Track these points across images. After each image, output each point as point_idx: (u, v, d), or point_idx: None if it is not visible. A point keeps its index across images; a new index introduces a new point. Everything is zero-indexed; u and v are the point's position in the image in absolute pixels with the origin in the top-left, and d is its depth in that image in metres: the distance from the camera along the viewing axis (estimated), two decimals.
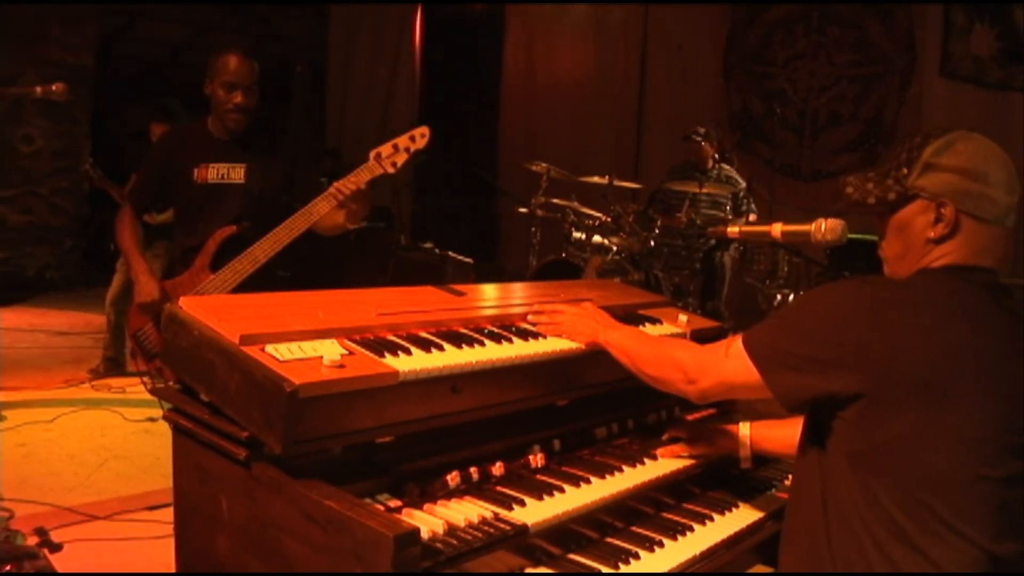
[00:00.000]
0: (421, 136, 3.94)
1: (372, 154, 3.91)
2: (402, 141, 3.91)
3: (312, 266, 4.22)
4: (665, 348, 2.43)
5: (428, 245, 9.27)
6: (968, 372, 1.89)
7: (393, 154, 3.90)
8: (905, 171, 2.08)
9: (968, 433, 1.87)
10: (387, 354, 2.18)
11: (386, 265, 8.95)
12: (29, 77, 9.58)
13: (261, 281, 3.97)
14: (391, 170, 3.91)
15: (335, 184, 3.92)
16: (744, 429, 2.69)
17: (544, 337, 2.60)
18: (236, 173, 4.28)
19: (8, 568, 3.68)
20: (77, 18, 10.86)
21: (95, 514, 4.44)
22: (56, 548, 4.00)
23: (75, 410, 6.09)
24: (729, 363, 2.16)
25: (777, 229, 2.55)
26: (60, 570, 3.80)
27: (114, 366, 6.90)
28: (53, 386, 6.69)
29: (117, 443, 5.55)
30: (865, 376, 1.91)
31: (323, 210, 3.94)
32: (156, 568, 3.72)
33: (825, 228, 2.27)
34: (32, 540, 4.00)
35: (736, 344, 2.15)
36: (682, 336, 3.03)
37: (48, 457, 5.26)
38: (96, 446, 5.49)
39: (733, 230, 2.80)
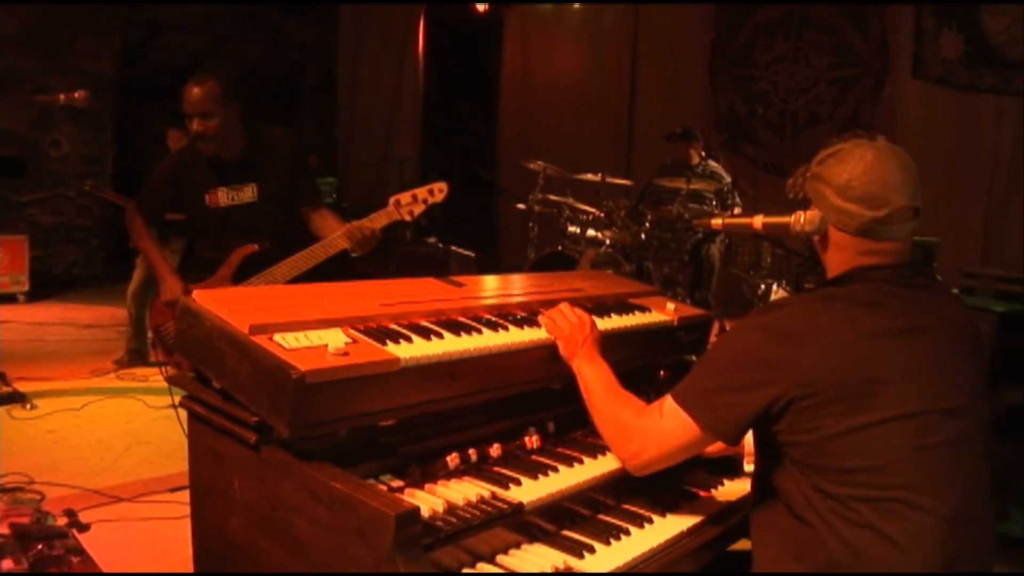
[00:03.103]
0: (439, 191, 3.96)
1: (392, 200, 3.93)
2: (421, 192, 3.93)
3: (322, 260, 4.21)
4: (619, 407, 2.30)
5: (432, 240, 9.25)
6: (880, 359, 1.92)
7: (411, 203, 3.92)
8: (807, 175, 2.19)
9: (897, 412, 1.90)
10: (389, 342, 2.16)
11: (392, 259, 8.92)
12: (57, 86, 9.55)
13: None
14: (408, 218, 3.94)
15: (353, 224, 3.94)
16: (749, 436, 2.54)
17: (539, 325, 2.58)
18: (246, 193, 4.27)
19: (40, 547, 3.68)
20: (102, 30, 10.86)
21: (120, 496, 4.44)
22: (84, 528, 4.02)
23: (101, 398, 6.08)
24: (665, 423, 2.10)
25: (759, 221, 2.52)
26: (88, 548, 3.80)
27: (137, 357, 6.89)
28: (81, 376, 6.68)
29: (141, 429, 5.54)
30: (788, 388, 1.92)
31: (342, 245, 3.97)
32: (177, 545, 3.70)
33: (804, 220, 2.25)
34: (62, 521, 4.02)
35: (668, 401, 2.11)
36: (670, 323, 3.01)
37: (77, 443, 5.25)
38: (121, 432, 5.48)
39: (717, 222, 2.77)
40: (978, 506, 1.97)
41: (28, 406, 5.74)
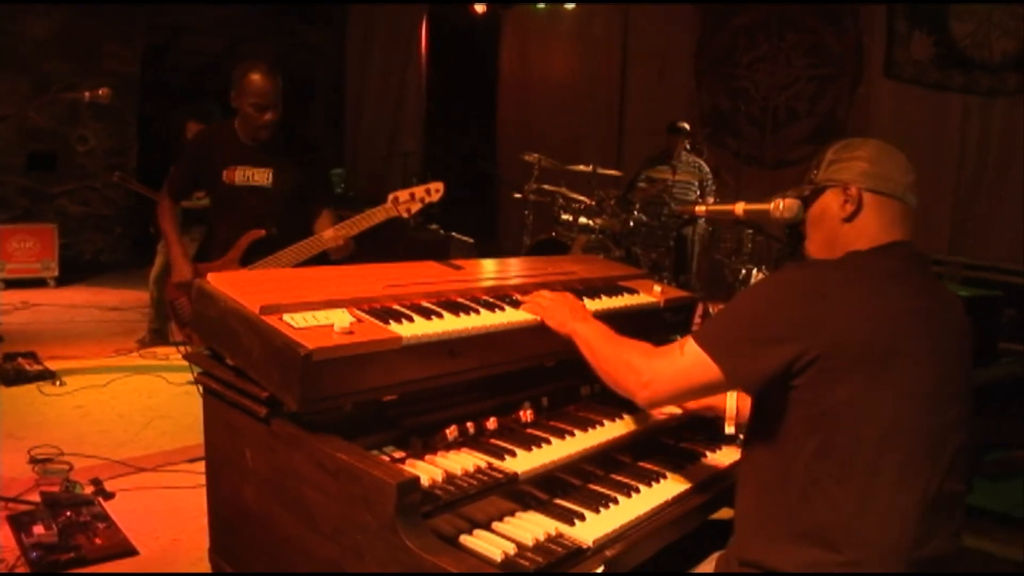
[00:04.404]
0: (436, 191, 3.95)
1: (391, 197, 3.92)
2: (419, 192, 3.92)
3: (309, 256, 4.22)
4: (625, 349, 2.24)
5: (434, 227, 9.21)
6: (904, 333, 1.88)
7: (409, 201, 3.91)
8: (815, 172, 2.15)
9: (908, 388, 1.86)
10: (392, 321, 2.14)
11: (396, 245, 8.89)
12: (85, 86, 9.54)
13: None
14: (405, 215, 3.93)
15: (329, 233, 4.01)
16: (731, 400, 2.54)
17: None
18: (261, 176, 4.26)
19: (68, 514, 3.70)
20: (127, 34, 10.84)
21: (143, 466, 4.43)
22: (109, 496, 4.03)
23: (125, 375, 6.06)
24: (684, 361, 2.02)
25: (740, 207, 2.50)
26: (112, 515, 3.79)
27: (159, 337, 6.87)
28: (106, 355, 6.65)
29: (162, 404, 5.52)
30: (815, 344, 1.85)
31: (324, 247, 3.97)
32: (195, 512, 3.69)
33: (783, 207, 2.22)
34: (88, 489, 4.04)
35: (689, 343, 2.02)
36: (656, 305, 2.99)
37: (102, 417, 5.24)
38: (143, 407, 5.47)
39: (701, 209, 2.76)
40: (957, 488, 1.94)
41: (57, 383, 5.73)
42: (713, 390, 2.06)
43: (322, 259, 4.10)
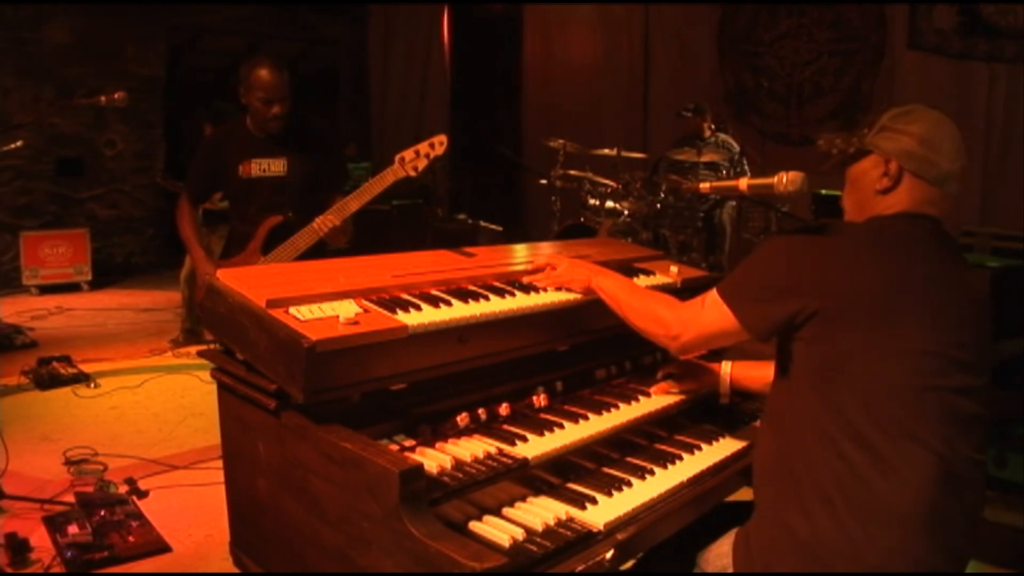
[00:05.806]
0: (440, 144, 3.92)
1: (396, 158, 3.91)
2: (423, 147, 3.91)
3: (358, 239, 4.22)
4: (650, 303, 2.36)
5: (462, 216, 9.22)
6: (911, 293, 1.91)
7: (415, 159, 3.90)
8: (865, 131, 2.13)
9: (913, 346, 1.89)
10: (399, 311, 2.14)
11: (424, 235, 8.91)
12: (109, 90, 9.62)
13: (314, 253, 4.00)
14: (413, 173, 3.91)
15: (320, 219, 3.99)
16: (726, 368, 2.68)
17: (545, 290, 2.55)
18: (276, 166, 4.29)
19: (102, 513, 3.75)
20: (149, 36, 10.91)
21: (176, 464, 4.49)
22: (143, 494, 4.09)
23: (159, 375, 6.14)
24: (706, 313, 2.15)
25: (744, 183, 2.47)
26: (146, 513, 3.84)
27: (191, 336, 6.93)
28: (140, 356, 6.74)
29: (195, 403, 5.58)
30: (818, 297, 1.92)
31: (336, 218, 3.96)
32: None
33: (786, 180, 2.20)
34: (123, 488, 4.10)
35: (711, 294, 2.14)
36: (673, 285, 2.97)
37: (136, 417, 5.31)
38: (177, 406, 5.54)
39: (704, 186, 2.73)
40: (975, 456, 1.95)
41: (92, 385, 5.81)
42: (733, 337, 2.16)
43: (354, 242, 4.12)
